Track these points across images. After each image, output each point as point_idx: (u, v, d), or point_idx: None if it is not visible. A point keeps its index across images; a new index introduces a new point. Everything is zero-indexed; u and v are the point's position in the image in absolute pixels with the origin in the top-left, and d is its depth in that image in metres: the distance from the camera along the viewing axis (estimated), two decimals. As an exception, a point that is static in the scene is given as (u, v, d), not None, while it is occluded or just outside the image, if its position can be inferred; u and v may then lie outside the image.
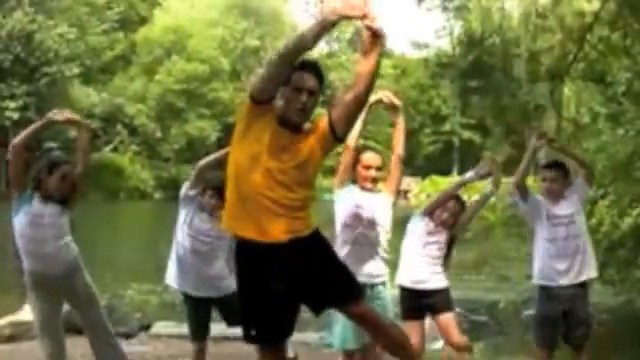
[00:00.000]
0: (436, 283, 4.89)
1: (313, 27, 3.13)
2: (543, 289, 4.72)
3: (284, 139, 3.29)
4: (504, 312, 9.35)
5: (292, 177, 3.28)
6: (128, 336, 7.05)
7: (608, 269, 8.11)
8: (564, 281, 4.62)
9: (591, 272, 4.73)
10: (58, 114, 4.42)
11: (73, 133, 4.55)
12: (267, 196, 3.24)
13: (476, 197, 5.22)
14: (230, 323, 4.94)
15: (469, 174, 4.96)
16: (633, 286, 8.43)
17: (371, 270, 4.14)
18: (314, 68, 3.38)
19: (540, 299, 4.77)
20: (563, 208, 4.69)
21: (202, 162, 4.68)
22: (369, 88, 3.30)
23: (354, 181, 4.23)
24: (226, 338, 6.21)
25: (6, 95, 40.66)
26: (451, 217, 4.89)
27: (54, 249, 4.33)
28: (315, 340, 6.99)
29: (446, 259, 4.98)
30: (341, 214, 4.22)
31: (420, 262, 4.89)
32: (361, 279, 3.95)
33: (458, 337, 4.91)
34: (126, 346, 6.59)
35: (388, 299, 4.25)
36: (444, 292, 4.92)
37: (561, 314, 4.66)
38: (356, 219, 4.16)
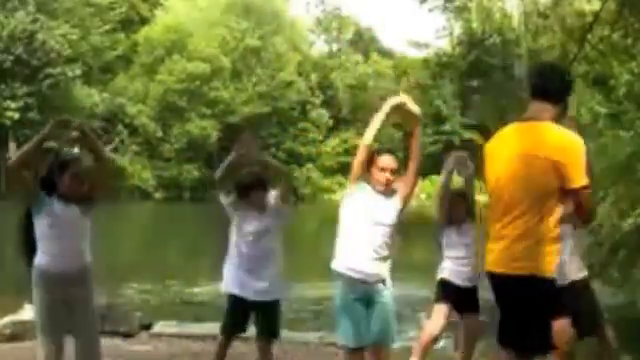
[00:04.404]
0: (471, 282, 5.15)
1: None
2: None
3: None
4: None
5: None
6: (129, 335, 7.05)
7: (609, 270, 8.12)
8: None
9: (575, 273, 4.65)
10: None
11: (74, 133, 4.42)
12: None
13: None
14: (262, 332, 4.91)
15: (444, 172, 5.14)
16: (634, 287, 8.44)
17: (366, 269, 4.15)
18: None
19: None
20: None
21: (217, 173, 4.81)
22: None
23: (367, 181, 4.24)
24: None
25: (7, 95, 40.72)
26: (464, 211, 5.16)
27: (71, 251, 4.30)
28: (315, 340, 6.99)
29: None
30: (347, 210, 4.23)
31: (464, 263, 5.14)
32: (356, 276, 4.11)
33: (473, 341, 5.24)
34: (127, 345, 6.62)
35: (389, 299, 4.27)
36: (474, 292, 5.20)
37: None
38: (360, 217, 4.16)
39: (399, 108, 4.20)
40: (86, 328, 4.40)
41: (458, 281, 5.15)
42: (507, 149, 3.50)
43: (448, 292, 5.16)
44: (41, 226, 4.27)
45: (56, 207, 4.25)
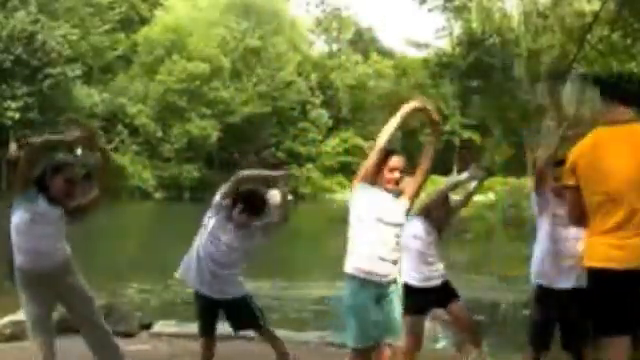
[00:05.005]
0: (441, 279, 5.17)
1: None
2: (539, 288, 4.68)
3: None
4: (504, 312, 9.36)
5: None
6: (129, 335, 7.05)
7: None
8: (560, 284, 4.56)
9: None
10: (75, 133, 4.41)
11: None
12: None
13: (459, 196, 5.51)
14: (235, 327, 5.02)
15: (464, 176, 5.19)
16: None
17: (382, 271, 4.13)
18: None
19: (535, 299, 4.73)
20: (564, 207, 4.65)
21: (245, 173, 4.82)
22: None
23: (373, 182, 4.24)
24: (234, 337, 6.21)
25: (7, 95, 40.76)
26: (446, 214, 5.19)
27: (48, 248, 4.34)
28: (315, 340, 7.00)
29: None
30: (358, 211, 4.20)
31: (427, 261, 5.13)
32: (373, 279, 4.09)
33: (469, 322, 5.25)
34: (127, 345, 6.61)
35: (396, 298, 4.27)
36: (448, 284, 5.23)
37: (555, 319, 4.61)
38: (372, 218, 4.16)
39: (418, 112, 4.22)
40: (88, 313, 4.49)
41: (421, 283, 5.08)
42: (613, 150, 3.63)
43: (416, 300, 4.99)
44: (19, 220, 4.31)
45: (41, 205, 4.32)
